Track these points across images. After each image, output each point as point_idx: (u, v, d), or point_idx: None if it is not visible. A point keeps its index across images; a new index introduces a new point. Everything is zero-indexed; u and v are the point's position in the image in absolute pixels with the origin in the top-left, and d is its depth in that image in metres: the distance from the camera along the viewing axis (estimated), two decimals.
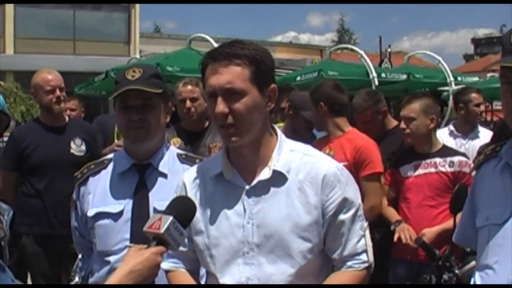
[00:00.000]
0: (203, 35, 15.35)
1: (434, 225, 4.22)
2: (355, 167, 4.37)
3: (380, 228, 4.51)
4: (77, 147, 4.94)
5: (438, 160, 4.34)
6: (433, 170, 4.34)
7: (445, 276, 3.35)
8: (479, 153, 4.82)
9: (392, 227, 4.36)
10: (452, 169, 4.30)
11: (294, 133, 4.65)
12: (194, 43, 15.24)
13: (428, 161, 4.37)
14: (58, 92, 4.89)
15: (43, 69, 5.11)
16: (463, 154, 4.54)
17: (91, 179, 2.90)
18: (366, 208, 4.31)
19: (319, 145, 4.37)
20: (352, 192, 2.29)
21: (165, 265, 2.38)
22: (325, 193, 2.22)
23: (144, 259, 2.00)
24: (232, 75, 2.16)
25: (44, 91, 4.90)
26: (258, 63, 2.19)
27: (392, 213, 4.45)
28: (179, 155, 2.94)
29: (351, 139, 4.52)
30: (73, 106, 7.13)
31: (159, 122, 2.84)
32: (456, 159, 4.34)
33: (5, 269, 2.04)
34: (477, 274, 2.15)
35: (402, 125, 4.43)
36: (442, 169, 4.32)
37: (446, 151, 4.45)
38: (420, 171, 4.38)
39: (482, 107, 6.49)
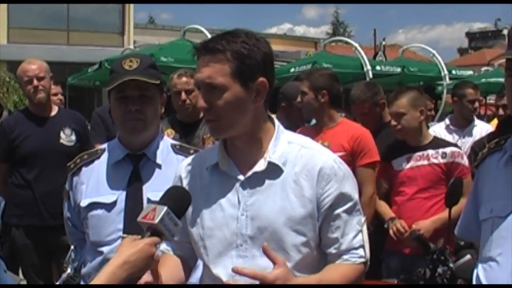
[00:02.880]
0: (197, 26, 15.33)
1: (427, 217, 4.24)
2: (352, 156, 4.42)
3: (374, 220, 4.52)
4: (67, 137, 4.92)
5: (430, 152, 4.35)
6: (425, 162, 4.35)
7: (440, 270, 3.34)
8: (472, 148, 4.84)
9: (385, 225, 4.37)
10: (445, 160, 4.31)
11: (287, 126, 4.63)
12: (189, 35, 15.22)
13: (420, 153, 4.37)
14: (35, 82, 4.82)
15: (28, 59, 5.07)
16: (455, 145, 4.56)
17: (84, 169, 2.88)
18: (367, 198, 4.42)
19: (309, 134, 4.32)
20: (350, 186, 2.25)
21: (161, 247, 2.38)
22: (321, 187, 2.19)
23: (138, 250, 1.97)
24: (212, 70, 2.14)
25: (23, 81, 4.89)
26: (243, 57, 2.15)
27: (386, 210, 4.47)
28: (173, 146, 2.93)
29: (347, 129, 4.55)
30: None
31: (156, 113, 2.82)
32: (448, 150, 4.35)
33: None
34: (480, 266, 2.16)
35: (393, 122, 4.43)
36: (435, 161, 4.32)
37: (438, 143, 4.46)
38: (412, 163, 4.38)
39: (477, 104, 6.43)
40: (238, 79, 2.15)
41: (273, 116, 2.38)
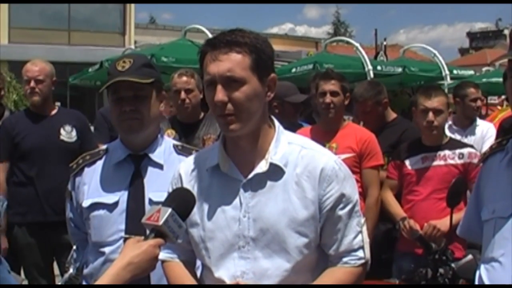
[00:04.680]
0: (198, 26, 15.30)
1: (442, 217, 4.21)
2: (359, 158, 4.48)
3: (385, 221, 4.53)
4: (67, 134, 4.93)
5: (447, 152, 4.35)
6: (442, 162, 4.34)
7: (441, 270, 3.34)
8: (501, 125, 4.89)
9: (397, 226, 4.37)
10: (462, 161, 4.31)
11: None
12: (190, 34, 15.20)
13: (437, 153, 4.36)
14: (32, 84, 4.86)
15: (34, 60, 5.10)
16: (472, 146, 4.56)
17: (86, 169, 2.88)
18: (374, 199, 4.46)
19: (318, 135, 4.34)
20: (350, 187, 2.25)
21: (160, 255, 2.35)
22: (322, 188, 2.19)
23: (142, 251, 1.98)
24: (232, 62, 2.12)
25: (23, 80, 4.96)
26: (258, 51, 2.15)
27: (397, 210, 4.46)
28: (175, 146, 2.92)
29: (353, 131, 4.60)
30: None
31: (153, 112, 2.81)
32: (465, 151, 4.36)
33: (1, 260, 2.02)
34: (482, 267, 2.16)
35: (431, 117, 4.27)
36: (452, 162, 4.32)
37: (454, 144, 4.46)
38: (428, 163, 4.37)
39: (479, 102, 6.43)
40: (256, 73, 2.15)
41: None
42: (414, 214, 4.35)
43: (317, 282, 2.23)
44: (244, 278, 2.18)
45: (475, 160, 4.28)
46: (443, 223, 4.14)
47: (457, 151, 4.35)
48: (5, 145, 4.85)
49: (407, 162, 4.45)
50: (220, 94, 2.12)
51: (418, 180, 4.39)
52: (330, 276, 2.24)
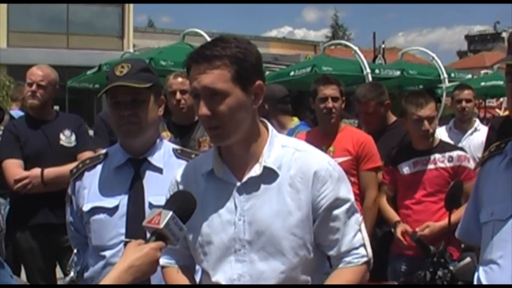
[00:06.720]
0: (197, 29, 15.31)
1: (435, 219, 4.24)
2: (357, 160, 4.50)
3: (382, 225, 4.55)
4: (67, 138, 4.93)
5: (437, 156, 4.36)
6: (432, 166, 4.35)
7: (440, 272, 3.35)
8: (492, 126, 4.92)
9: (392, 230, 4.40)
10: (451, 164, 4.32)
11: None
12: (188, 38, 15.21)
13: (427, 157, 4.38)
14: (34, 87, 4.85)
15: (41, 64, 5.11)
16: (461, 149, 4.58)
17: (86, 174, 2.89)
18: (371, 201, 4.50)
19: (315, 139, 4.34)
20: (345, 188, 2.26)
21: (160, 261, 2.38)
22: (316, 189, 2.20)
23: (143, 254, 1.99)
24: (213, 77, 2.13)
25: (26, 82, 4.94)
26: (240, 62, 2.16)
27: (391, 215, 4.49)
28: (175, 150, 2.94)
29: (351, 134, 4.62)
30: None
31: (151, 116, 2.82)
32: (454, 153, 4.37)
33: (3, 265, 2.03)
34: (481, 269, 2.17)
35: (427, 126, 4.32)
36: (441, 165, 4.33)
37: (444, 147, 4.47)
38: (419, 167, 4.39)
39: (464, 103, 6.33)
40: (238, 84, 2.15)
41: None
42: (408, 218, 4.39)
43: (328, 283, 2.24)
44: (241, 281, 2.20)
45: (465, 163, 4.32)
46: (433, 233, 4.18)
47: (447, 154, 4.37)
48: (15, 144, 4.83)
49: (399, 167, 4.48)
50: (204, 109, 2.15)
51: (411, 185, 4.42)
52: (337, 278, 2.24)
